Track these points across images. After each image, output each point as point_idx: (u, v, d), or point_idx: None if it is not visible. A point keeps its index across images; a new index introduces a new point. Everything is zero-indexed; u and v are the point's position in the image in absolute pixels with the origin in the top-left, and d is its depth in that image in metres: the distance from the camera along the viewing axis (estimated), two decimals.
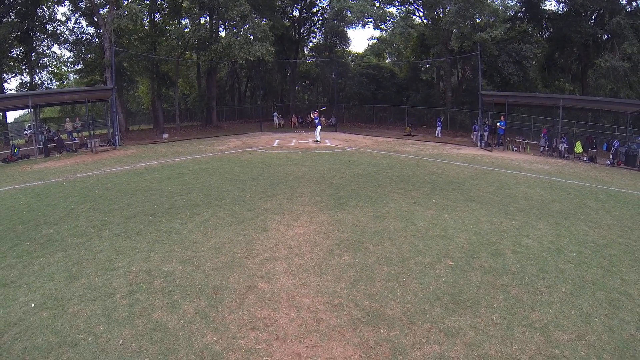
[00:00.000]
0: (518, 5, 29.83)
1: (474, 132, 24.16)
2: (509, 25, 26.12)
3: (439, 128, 26.90)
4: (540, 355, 4.26)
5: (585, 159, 19.06)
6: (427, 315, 4.79)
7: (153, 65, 30.94)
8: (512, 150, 21.18)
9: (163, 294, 5.12)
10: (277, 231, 7.35)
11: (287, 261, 6.08)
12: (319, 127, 21.94)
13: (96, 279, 5.54)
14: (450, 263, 6.29)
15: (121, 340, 4.18)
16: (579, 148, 19.87)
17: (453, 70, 33.76)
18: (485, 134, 22.40)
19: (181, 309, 4.75)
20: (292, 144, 21.13)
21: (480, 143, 22.12)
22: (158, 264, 5.98)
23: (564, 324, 4.85)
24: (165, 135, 25.83)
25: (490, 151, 20.22)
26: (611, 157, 18.80)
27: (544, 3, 30.27)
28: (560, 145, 19.87)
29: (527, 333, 4.61)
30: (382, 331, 4.44)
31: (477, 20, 25.89)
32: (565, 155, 19.55)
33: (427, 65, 37.93)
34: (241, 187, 10.85)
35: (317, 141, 21.30)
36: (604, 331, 4.75)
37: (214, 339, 4.20)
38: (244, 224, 7.70)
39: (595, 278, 6.10)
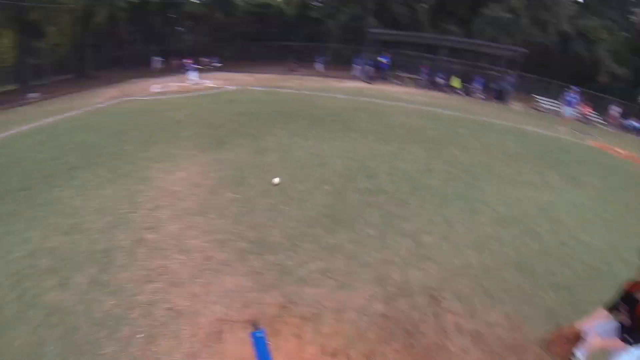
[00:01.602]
0: None
1: (355, 66, 24.82)
2: None
3: (319, 63, 26.96)
4: (411, 256, 5.05)
5: (461, 92, 21.14)
6: (309, 237, 5.31)
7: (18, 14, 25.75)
8: (394, 83, 22.50)
9: (51, 273, 4.67)
10: (159, 179, 7.20)
11: (172, 207, 6.08)
12: (194, 72, 20.75)
13: None
14: (328, 188, 6.87)
15: (17, 341, 3.71)
16: (455, 83, 21.83)
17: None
18: (370, 68, 23.27)
19: (73, 283, 4.44)
20: (173, 88, 19.86)
21: (363, 76, 23.02)
22: (39, 242, 5.40)
23: (432, 229, 5.74)
24: (34, 95, 22.41)
25: (371, 84, 21.27)
26: (480, 90, 21.19)
27: None
28: (439, 80, 21.67)
29: (399, 240, 5.38)
30: (268, 257, 4.85)
31: None
32: (444, 89, 21.41)
33: (319, 4, 37.63)
34: (120, 139, 10.11)
35: (195, 83, 20.34)
36: (465, 232, 5.75)
37: (113, 302, 4.10)
38: (125, 178, 7.35)
39: (460, 191, 7.20)
